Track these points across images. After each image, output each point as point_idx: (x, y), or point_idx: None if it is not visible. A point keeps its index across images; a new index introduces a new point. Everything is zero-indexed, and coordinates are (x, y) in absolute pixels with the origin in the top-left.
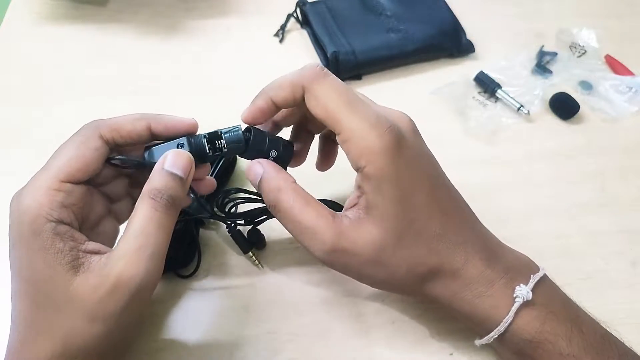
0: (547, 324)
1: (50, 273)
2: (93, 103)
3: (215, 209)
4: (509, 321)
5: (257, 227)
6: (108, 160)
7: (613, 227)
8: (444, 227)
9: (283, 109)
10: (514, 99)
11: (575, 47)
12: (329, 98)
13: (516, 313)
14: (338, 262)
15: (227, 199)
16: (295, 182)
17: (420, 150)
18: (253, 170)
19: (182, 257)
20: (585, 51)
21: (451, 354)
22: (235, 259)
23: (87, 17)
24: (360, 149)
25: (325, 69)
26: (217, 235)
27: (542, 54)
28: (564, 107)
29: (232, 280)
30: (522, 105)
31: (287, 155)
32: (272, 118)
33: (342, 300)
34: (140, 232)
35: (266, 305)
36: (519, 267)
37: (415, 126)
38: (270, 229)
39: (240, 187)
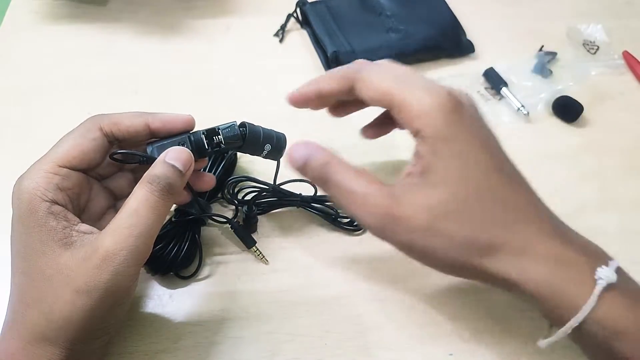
0: (635, 311)
1: (43, 248)
2: (93, 103)
3: (232, 198)
4: (592, 305)
5: (257, 214)
6: (112, 155)
7: (613, 227)
8: (509, 193)
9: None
10: (516, 99)
11: (588, 44)
12: (380, 78)
13: (599, 298)
14: (389, 230)
15: (237, 187)
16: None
17: (479, 116)
18: (298, 153)
19: (183, 258)
20: (598, 47)
21: (451, 354)
22: (236, 259)
23: (87, 16)
24: (416, 112)
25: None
26: (217, 235)
27: (541, 54)
28: (567, 109)
29: (232, 281)
30: (522, 106)
31: (281, 147)
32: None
33: (341, 300)
34: (134, 212)
35: (266, 305)
36: (594, 250)
37: (474, 101)
38: (276, 227)
39: (250, 176)
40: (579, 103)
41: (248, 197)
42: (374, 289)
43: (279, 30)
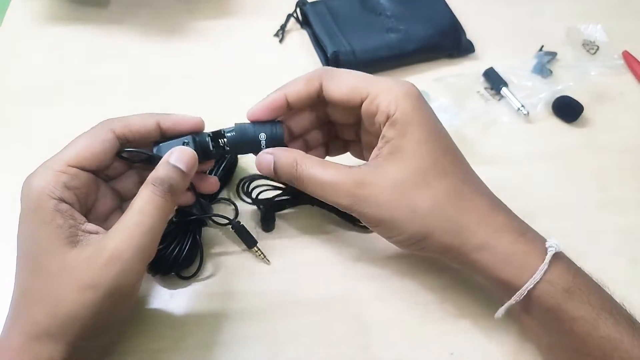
0: (578, 275)
1: (49, 246)
2: (93, 103)
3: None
4: (544, 268)
5: (274, 211)
6: (118, 154)
7: (613, 227)
8: (462, 173)
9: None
10: (516, 99)
11: (588, 44)
12: (350, 76)
13: (551, 262)
14: (359, 207)
15: (251, 185)
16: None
17: (431, 107)
18: (264, 160)
19: (184, 259)
20: (598, 47)
21: (451, 354)
22: (236, 259)
23: (87, 17)
24: (389, 98)
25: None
26: (218, 235)
27: (541, 54)
28: (567, 109)
29: (233, 281)
30: (522, 106)
31: (278, 134)
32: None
33: (342, 300)
34: (139, 211)
35: (267, 305)
36: (531, 228)
37: None
38: (277, 227)
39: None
40: (579, 103)
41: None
42: (375, 288)
43: (279, 31)
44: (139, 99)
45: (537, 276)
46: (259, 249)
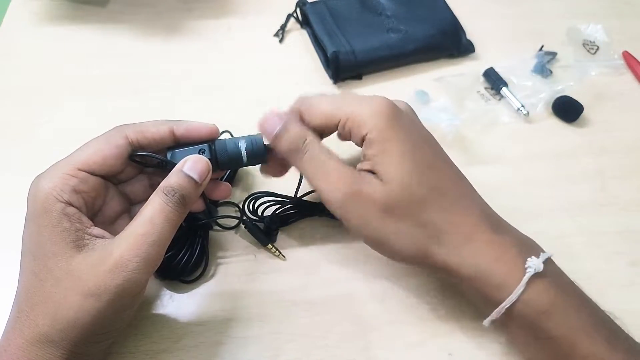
0: (558, 296)
1: (54, 249)
2: (93, 103)
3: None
4: (520, 290)
5: (278, 228)
6: (131, 156)
7: (613, 227)
8: (450, 186)
9: None
10: (516, 99)
11: (588, 44)
12: (322, 103)
13: (528, 283)
14: (353, 208)
15: (257, 202)
16: None
17: (417, 119)
18: (272, 120)
19: (192, 265)
20: (598, 47)
21: (450, 354)
22: (236, 260)
23: (87, 17)
24: (361, 119)
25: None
26: (219, 236)
27: (541, 54)
28: (567, 109)
29: (233, 282)
30: (522, 106)
31: (258, 143)
32: None
33: (342, 301)
34: (149, 220)
35: (267, 305)
36: (527, 242)
37: (411, 107)
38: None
39: (269, 191)
40: (579, 103)
41: (267, 212)
42: (375, 289)
43: (279, 30)
44: (138, 98)
45: (513, 297)
46: (274, 246)
